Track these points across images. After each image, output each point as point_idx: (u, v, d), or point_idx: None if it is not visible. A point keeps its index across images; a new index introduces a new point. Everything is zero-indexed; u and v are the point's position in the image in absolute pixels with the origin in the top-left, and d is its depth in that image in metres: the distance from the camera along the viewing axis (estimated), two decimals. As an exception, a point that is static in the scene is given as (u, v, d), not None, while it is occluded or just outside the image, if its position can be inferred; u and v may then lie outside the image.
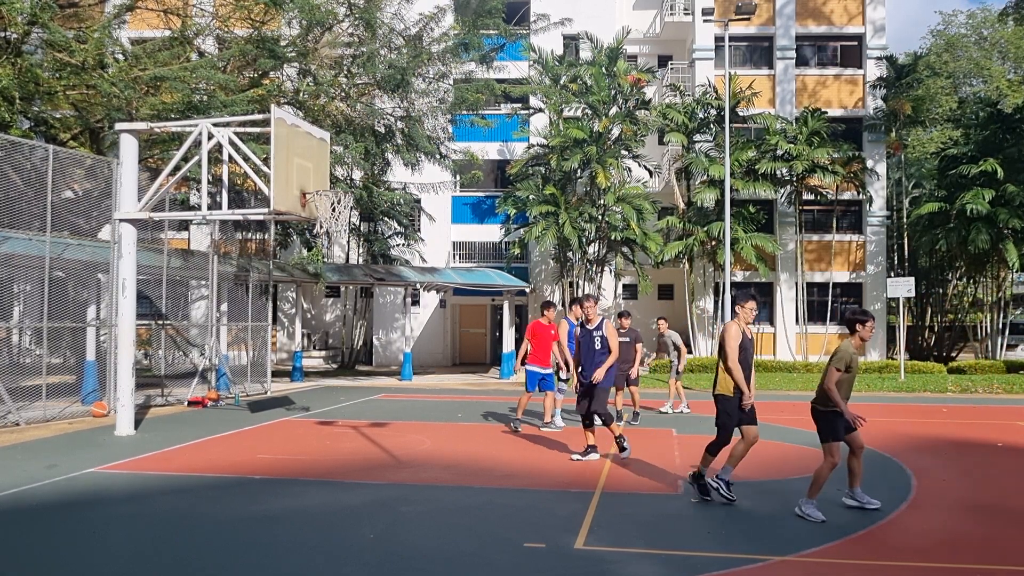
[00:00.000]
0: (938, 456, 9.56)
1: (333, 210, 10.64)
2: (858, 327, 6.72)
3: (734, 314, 7.12)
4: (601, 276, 25.48)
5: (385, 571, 5.28)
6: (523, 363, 11.78)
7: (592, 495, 7.39)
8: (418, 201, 25.40)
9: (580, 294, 24.95)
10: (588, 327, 9.01)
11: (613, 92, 24.46)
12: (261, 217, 12.57)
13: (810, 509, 6.57)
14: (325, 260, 22.60)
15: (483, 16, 19.82)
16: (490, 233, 27.61)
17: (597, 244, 25.15)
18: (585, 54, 25.94)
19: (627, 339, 12.32)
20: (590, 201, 24.52)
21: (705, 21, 23.63)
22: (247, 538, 6.01)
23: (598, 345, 8.86)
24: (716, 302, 25.51)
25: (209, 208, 11.41)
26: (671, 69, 28.41)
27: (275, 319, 26.58)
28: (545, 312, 11.70)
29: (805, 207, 26.37)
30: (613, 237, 24.48)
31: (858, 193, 25.82)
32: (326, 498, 7.27)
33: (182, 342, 17.88)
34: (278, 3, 15.09)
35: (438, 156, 20.67)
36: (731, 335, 6.88)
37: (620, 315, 12.62)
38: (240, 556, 5.57)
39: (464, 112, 20.92)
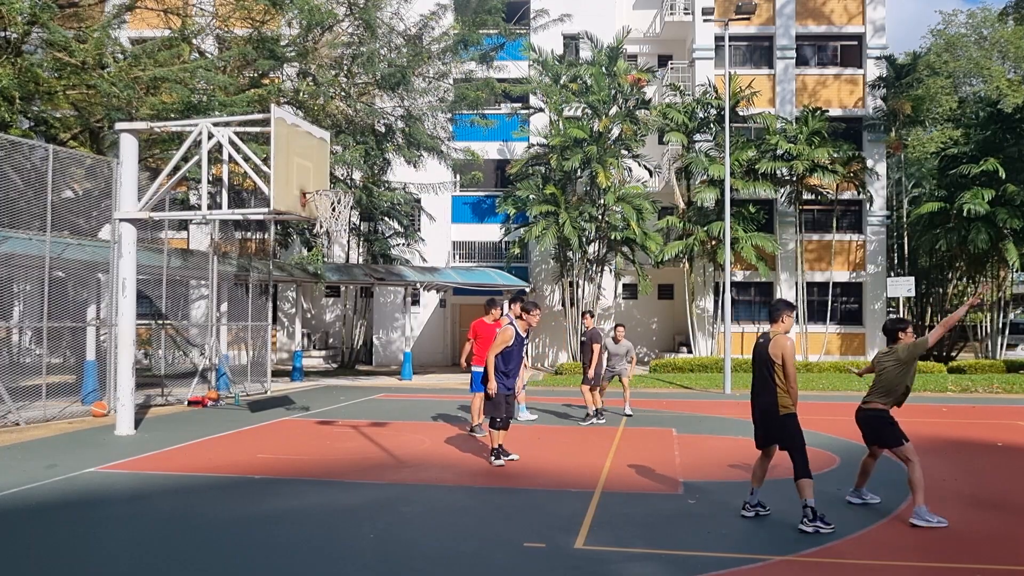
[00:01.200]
0: (938, 456, 9.56)
1: (333, 210, 10.65)
2: (900, 335, 6.92)
3: (776, 320, 6.69)
4: (601, 276, 25.47)
5: (385, 571, 5.28)
6: (468, 364, 11.21)
7: (592, 495, 7.38)
8: (418, 201, 25.40)
9: (580, 295, 24.97)
10: (522, 335, 8.88)
11: (613, 92, 24.46)
12: (261, 217, 12.57)
13: (932, 517, 6.35)
14: (325, 260, 22.59)
15: (483, 14, 19.81)
16: (490, 233, 27.60)
17: (597, 244, 25.15)
18: (585, 54, 25.94)
19: (584, 339, 12.29)
20: (590, 201, 24.52)
21: (705, 21, 23.62)
22: (247, 538, 6.01)
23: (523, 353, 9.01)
24: (716, 302, 25.50)
25: (209, 208, 11.42)
26: (671, 69, 28.41)
27: (275, 319, 26.58)
28: (491, 311, 11.19)
29: (805, 207, 26.36)
30: (613, 237, 24.47)
31: (858, 193, 25.82)
32: (326, 498, 7.27)
33: (182, 342, 17.87)
34: (278, 3, 15.08)
35: (439, 153, 20.66)
36: (793, 350, 6.57)
37: (584, 314, 12.48)
38: (240, 556, 5.58)
39: (464, 111, 20.91)
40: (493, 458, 8.84)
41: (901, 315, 22.92)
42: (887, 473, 8.53)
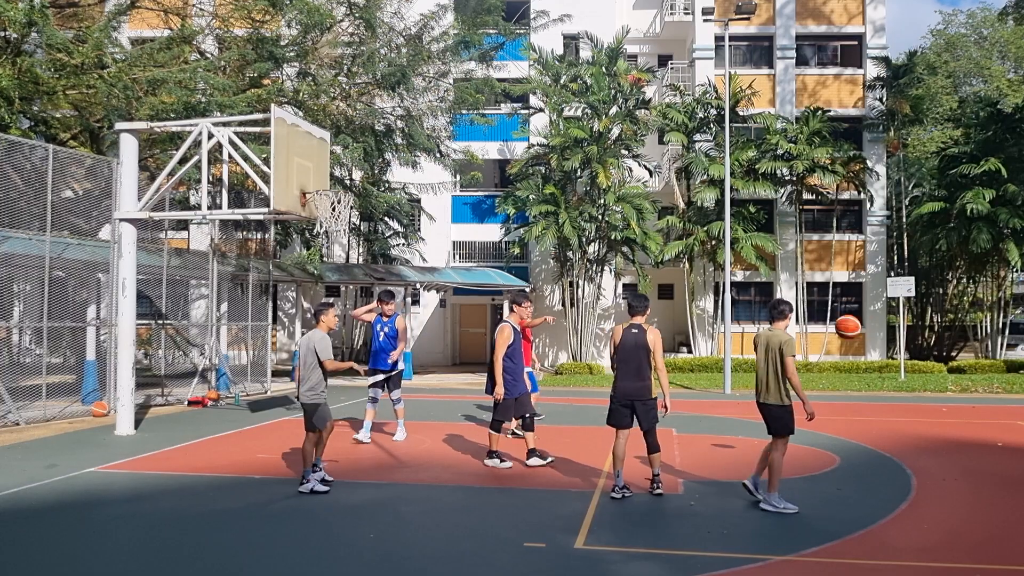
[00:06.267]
0: (938, 456, 9.56)
1: (333, 210, 10.65)
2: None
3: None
4: (601, 276, 25.47)
5: (385, 571, 5.28)
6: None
7: (592, 495, 7.39)
8: (418, 201, 25.39)
9: (580, 295, 24.97)
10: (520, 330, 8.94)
11: (613, 92, 24.45)
12: (261, 217, 12.57)
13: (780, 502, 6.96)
14: (324, 260, 22.56)
15: (482, 14, 19.81)
16: (490, 233, 27.60)
17: (597, 244, 25.14)
18: (585, 53, 25.93)
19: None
20: (590, 201, 24.51)
21: (705, 21, 23.58)
22: (247, 538, 6.01)
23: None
24: (716, 302, 25.50)
25: (209, 208, 11.42)
26: (671, 69, 28.40)
27: (275, 319, 26.58)
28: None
29: (805, 207, 26.35)
30: (613, 237, 24.47)
31: (858, 193, 25.81)
32: (326, 498, 7.27)
33: (182, 342, 17.87)
34: (277, 4, 15.08)
35: (437, 155, 20.65)
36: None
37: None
38: (240, 556, 5.58)
39: (464, 111, 20.89)
40: (491, 460, 8.79)
41: (901, 315, 22.91)
42: (887, 472, 8.53)
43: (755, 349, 7.18)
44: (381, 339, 10.41)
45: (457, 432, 11.47)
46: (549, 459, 8.84)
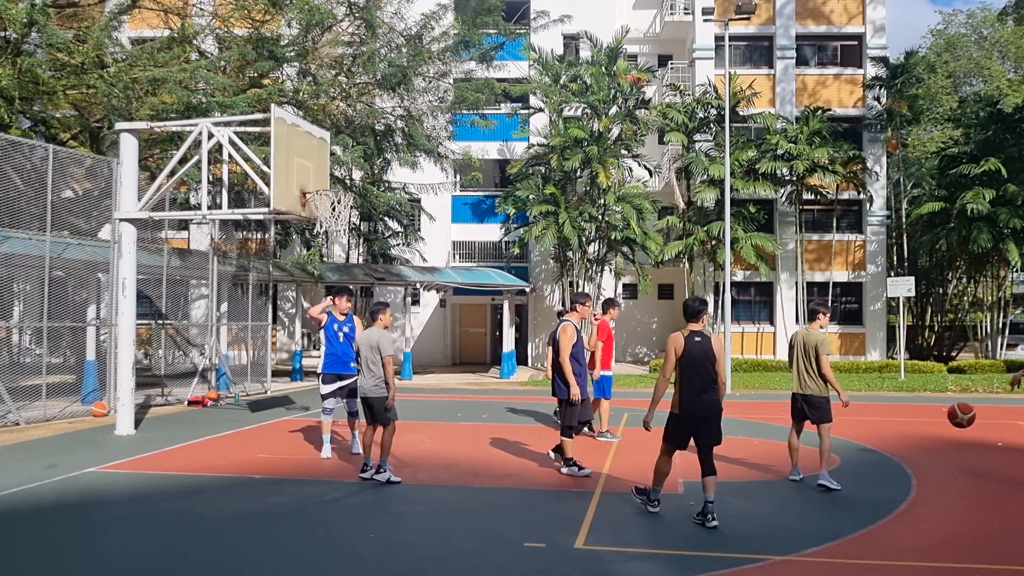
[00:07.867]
0: (938, 456, 9.56)
1: (333, 209, 10.66)
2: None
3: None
4: (601, 276, 25.47)
5: (385, 571, 5.28)
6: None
7: (592, 495, 7.39)
8: (418, 201, 25.40)
9: (577, 293, 24.96)
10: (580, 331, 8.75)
11: (613, 91, 24.45)
12: (261, 217, 12.57)
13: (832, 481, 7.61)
14: (324, 260, 22.55)
15: (482, 14, 19.82)
16: (490, 233, 27.60)
17: (597, 244, 25.14)
18: (585, 53, 25.93)
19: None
20: (590, 201, 24.51)
21: (705, 21, 23.57)
22: (247, 538, 6.01)
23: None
24: (716, 302, 25.49)
25: (209, 208, 11.42)
26: (671, 69, 28.40)
27: (275, 319, 26.57)
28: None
29: (805, 207, 26.34)
30: (613, 237, 24.47)
31: (858, 193, 25.81)
32: (326, 498, 7.28)
33: (182, 342, 17.88)
34: (277, 3, 15.08)
35: (437, 156, 20.66)
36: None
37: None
38: (240, 556, 5.58)
39: (464, 111, 20.90)
40: (574, 468, 8.21)
41: (901, 315, 22.89)
42: (887, 472, 8.54)
43: (790, 347, 8.08)
44: (341, 340, 9.25)
45: (457, 432, 11.48)
46: (586, 471, 8.29)
